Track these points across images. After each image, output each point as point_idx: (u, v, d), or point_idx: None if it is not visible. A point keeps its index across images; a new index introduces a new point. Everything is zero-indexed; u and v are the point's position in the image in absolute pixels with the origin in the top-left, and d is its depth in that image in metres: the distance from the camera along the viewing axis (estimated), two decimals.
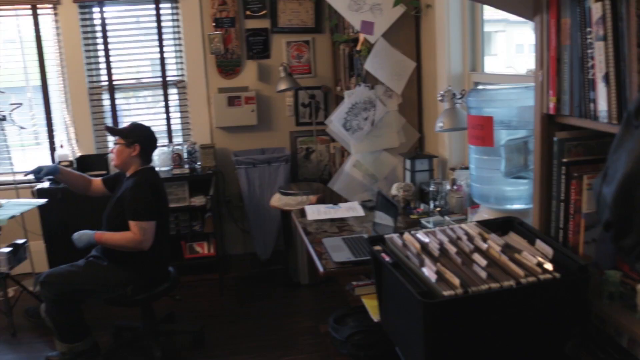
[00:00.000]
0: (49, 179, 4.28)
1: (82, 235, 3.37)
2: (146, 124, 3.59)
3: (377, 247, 1.82)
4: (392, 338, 1.91)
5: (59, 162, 4.56)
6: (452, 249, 1.71)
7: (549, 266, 1.59)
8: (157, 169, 4.52)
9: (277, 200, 4.26)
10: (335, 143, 4.63)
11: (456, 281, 1.51)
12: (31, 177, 3.62)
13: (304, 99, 5.03)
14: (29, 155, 5.11)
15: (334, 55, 4.97)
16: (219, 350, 3.61)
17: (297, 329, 3.85)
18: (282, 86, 4.60)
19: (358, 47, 3.88)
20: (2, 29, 4.95)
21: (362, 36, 3.78)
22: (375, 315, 2.79)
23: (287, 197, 4.21)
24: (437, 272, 1.58)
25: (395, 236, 1.84)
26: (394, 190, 3.35)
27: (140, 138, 3.43)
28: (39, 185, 4.50)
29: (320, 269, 2.55)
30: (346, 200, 3.76)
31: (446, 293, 1.48)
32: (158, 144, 3.64)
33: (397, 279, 1.60)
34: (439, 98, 3.05)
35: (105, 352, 3.53)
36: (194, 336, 3.72)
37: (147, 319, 3.60)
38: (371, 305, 2.89)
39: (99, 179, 3.71)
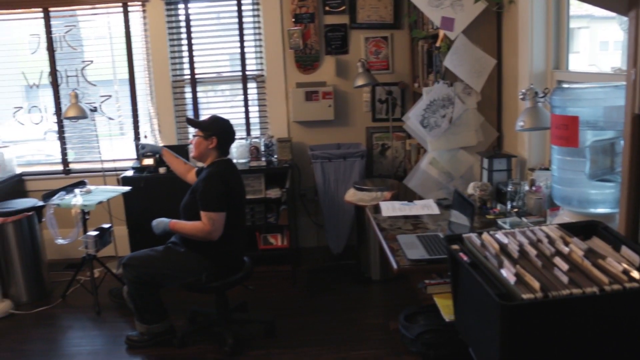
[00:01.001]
0: (150, 156, 4.66)
1: (159, 223, 3.52)
2: (225, 117, 3.68)
3: (455, 246, 1.80)
4: (465, 339, 1.90)
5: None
6: (532, 252, 1.68)
7: (636, 274, 1.53)
8: (234, 161, 4.65)
9: (352, 195, 4.28)
10: (412, 140, 4.60)
11: (536, 284, 1.49)
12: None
13: (381, 95, 5.03)
14: (116, 144, 5.33)
15: (412, 51, 4.94)
16: (289, 341, 3.67)
17: (367, 324, 3.86)
18: (360, 82, 4.61)
19: (437, 44, 3.85)
20: (94, 26, 5.19)
21: (441, 32, 3.74)
22: (446, 315, 2.78)
23: (362, 192, 4.22)
24: (516, 275, 1.55)
25: (473, 236, 1.82)
26: (471, 189, 3.30)
27: (218, 131, 3.51)
28: (124, 174, 4.71)
29: (394, 265, 2.54)
30: (421, 198, 3.73)
31: (525, 296, 1.46)
32: (236, 137, 3.71)
33: (475, 279, 1.58)
34: (520, 96, 2.98)
35: (180, 335, 3.67)
36: (266, 326, 3.79)
37: (221, 307, 3.69)
38: (443, 305, 2.87)
39: (195, 168, 3.87)
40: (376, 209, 3.41)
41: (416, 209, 3.35)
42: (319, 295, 4.34)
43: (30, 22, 5.20)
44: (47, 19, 5.12)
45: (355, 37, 5.01)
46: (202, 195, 3.40)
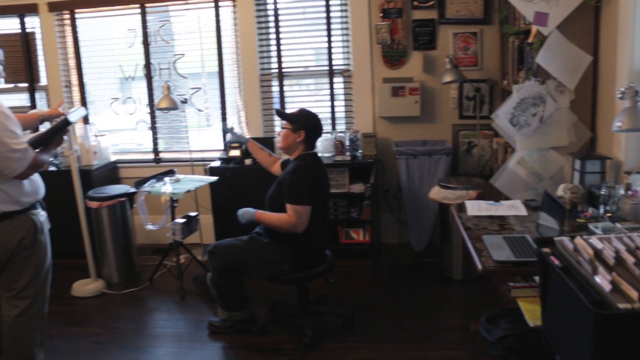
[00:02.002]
0: (236, 147, 4.84)
1: (245, 213, 3.60)
2: (312, 110, 3.71)
3: (546, 249, 1.75)
4: (552, 345, 1.85)
5: (230, 143, 4.87)
6: (630, 259, 1.61)
7: None
8: (319, 154, 4.70)
9: (436, 193, 4.23)
10: (499, 138, 4.50)
11: (634, 294, 1.42)
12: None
13: (468, 92, 4.93)
14: (203, 135, 5.48)
15: (502, 47, 4.81)
16: (367, 336, 3.67)
17: (446, 324, 3.81)
18: (447, 78, 4.55)
19: (530, 40, 3.73)
20: (185, 21, 5.36)
21: (534, 28, 3.62)
22: (531, 320, 2.70)
23: (447, 190, 4.17)
24: (612, 282, 1.49)
25: (566, 239, 1.77)
26: (560, 191, 3.20)
27: (306, 125, 3.55)
28: (211, 164, 4.85)
29: (479, 266, 2.50)
30: (507, 198, 3.65)
31: (622, 306, 1.40)
32: (322, 132, 3.74)
33: (566, 285, 1.54)
34: (619, 95, 2.85)
35: (260, 324, 3.75)
36: (345, 319, 3.80)
37: (301, 298, 3.75)
38: (527, 309, 2.79)
39: (280, 159, 3.94)
40: (461, 207, 3.36)
41: (503, 209, 3.28)
42: (399, 292, 4.31)
43: (127, 18, 5.43)
44: (143, 14, 5.33)
45: (443, 32, 4.93)
46: (289, 188, 3.44)
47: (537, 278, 2.69)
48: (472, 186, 4.19)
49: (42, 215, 3.12)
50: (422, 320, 3.84)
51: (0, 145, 2.76)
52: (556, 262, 1.66)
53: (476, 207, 3.29)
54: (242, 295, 3.76)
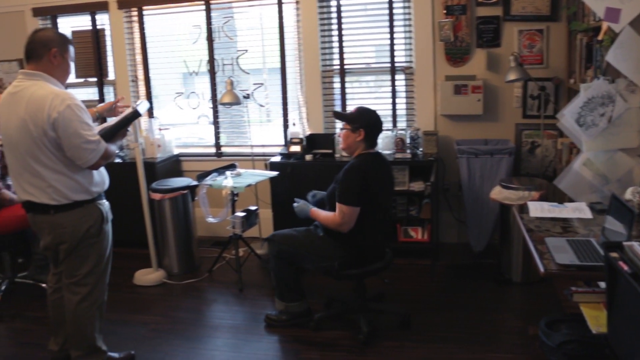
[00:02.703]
0: (297, 142, 4.91)
1: (302, 209, 3.69)
2: (372, 107, 3.69)
3: (614, 254, 1.70)
4: (617, 354, 1.79)
5: (291, 139, 4.91)
6: None
7: None
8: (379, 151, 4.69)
9: (497, 193, 4.16)
10: (564, 139, 4.38)
11: None
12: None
13: (533, 91, 4.82)
14: (264, 130, 5.54)
15: (570, 45, 4.67)
16: (423, 335, 3.64)
17: (504, 326, 3.74)
18: (512, 76, 4.46)
19: (600, 37, 3.61)
20: (247, 18, 5.43)
21: (605, 24, 3.50)
22: (594, 326, 2.63)
23: (508, 190, 4.09)
24: None
25: (636, 245, 1.71)
26: (629, 194, 3.09)
27: (365, 123, 3.52)
28: (272, 159, 4.90)
29: (541, 268, 2.45)
30: (571, 200, 3.55)
31: None
32: (382, 128, 3.71)
33: (636, 291, 1.49)
34: None
35: (316, 318, 3.77)
36: (401, 318, 3.78)
37: (358, 295, 3.75)
38: (590, 315, 2.72)
39: None
40: (523, 208, 3.29)
41: (567, 211, 3.19)
42: (457, 293, 4.26)
43: (192, 15, 5.53)
44: (207, 11, 5.43)
45: (508, 29, 4.83)
46: (340, 186, 3.45)
47: (602, 283, 2.61)
48: (535, 187, 4.10)
49: (107, 205, 3.25)
50: (480, 321, 3.79)
51: (76, 136, 2.89)
52: (625, 267, 1.61)
53: (539, 209, 3.22)
54: (299, 287, 3.81)
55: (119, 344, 3.67)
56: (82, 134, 2.90)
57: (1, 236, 4.22)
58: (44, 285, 4.35)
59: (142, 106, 3.54)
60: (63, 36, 3.11)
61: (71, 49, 3.12)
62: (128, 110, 3.40)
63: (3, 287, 4.44)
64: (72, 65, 3.16)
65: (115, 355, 3.47)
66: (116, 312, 4.13)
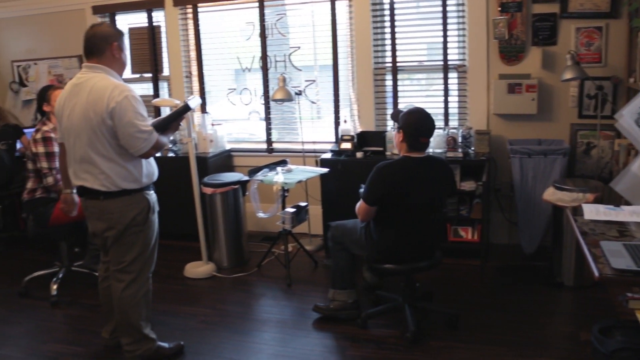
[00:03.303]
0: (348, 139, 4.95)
1: None
2: (423, 106, 3.67)
3: None
4: None
5: (342, 136, 4.92)
6: None
7: None
8: (430, 150, 4.66)
9: (551, 194, 4.08)
10: (622, 140, 4.25)
11: None
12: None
13: (589, 90, 4.70)
14: (315, 127, 5.57)
15: (630, 43, 4.53)
16: (472, 336, 3.60)
17: (554, 331, 3.67)
18: (568, 75, 4.36)
19: None
20: (299, 15, 5.47)
21: None
22: None
23: (562, 192, 4.01)
24: None
25: None
26: None
27: (403, 124, 3.46)
28: (323, 156, 4.92)
29: (596, 273, 2.39)
30: (628, 203, 3.45)
31: None
32: (426, 130, 3.61)
33: None
34: None
35: (364, 315, 3.79)
36: (449, 318, 3.75)
37: (406, 293, 3.74)
38: None
39: None
40: (577, 210, 3.22)
41: (623, 214, 3.10)
42: (506, 294, 4.19)
43: (246, 12, 5.60)
44: (261, 8, 5.49)
45: (565, 27, 4.72)
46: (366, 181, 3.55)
47: None
48: (590, 189, 4.01)
49: (154, 196, 3.37)
50: (529, 325, 3.72)
51: (130, 126, 3.03)
52: None
53: (594, 211, 3.14)
54: (350, 276, 3.87)
55: (169, 334, 3.75)
56: (136, 124, 3.05)
57: (59, 227, 4.36)
58: (97, 274, 4.50)
59: (194, 101, 3.67)
60: (119, 30, 3.32)
61: (126, 42, 3.31)
62: (179, 105, 3.53)
63: (60, 275, 4.59)
64: (128, 57, 3.33)
65: (165, 345, 3.56)
66: (166, 303, 4.23)
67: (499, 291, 4.26)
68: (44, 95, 4.40)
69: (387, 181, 3.42)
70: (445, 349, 3.48)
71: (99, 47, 3.15)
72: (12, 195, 5.62)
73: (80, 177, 3.21)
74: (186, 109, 3.43)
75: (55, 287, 4.47)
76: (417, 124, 3.45)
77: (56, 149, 4.25)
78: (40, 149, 4.23)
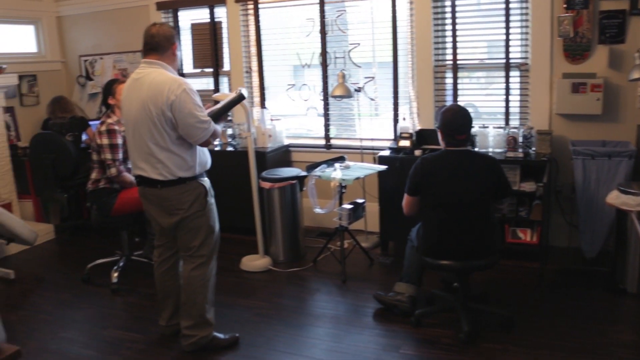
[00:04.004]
0: (407, 137, 4.95)
1: None
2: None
3: None
4: None
5: (400, 133, 4.90)
6: None
7: None
8: (490, 150, 4.60)
9: (614, 197, 3.96)
10: None
11: None
12: None
13: None
14: (373, 124, 5.55)
15: None
16: (527, 340, 3.53)
17: (616, 339, 3.53)
18: (636, 75, 4.21)
19: None
20: (359, 12, 5.46)
21: None
22: None
23: (626, 195, 3.88)
24: None
25: None
26: None
27: (440, 123, 3.62)
28: (381, 153, 4.91)
29: None
30: None
31: None
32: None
33: None
34: None
35: (417, 314, 3.78)
36: (504, 320, 3.70)
37: (461, 292, 3.70)
38: None
39: None
40: None
41: None
42: (565, 299, 4.09)
43: (306, 8, 5.63)
44: (321, 4, 5.51)
45: (634, 24, 4.55)
46: None
47: None
48: None
49: (208, 181, 3.51)
50: (589, 331, 3.62)
51: (190, 116, 3.20)
52: None
53: None
54: (416, 273, 3.91)
55: (225, 325, 3.82)
56: (195, 114, 3.22)
57: (121, 216, 4.49)
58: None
59: (245, 91, 3.85)
60: (176, 31, 3.55)
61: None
62: (233, 94, 3.73)
63: (121, 264, 4.74)
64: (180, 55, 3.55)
65: (221, 336, 3.65)
66: (223, 295, 4.30)
67: (557, 295, 4.17)
68: (109, 89, 4.53)
69: (424, 171, 3.58)
70: (499, 352, 3.43)
71: (163, 45, 3.35)
72: (77, 185, 5.80)
73: (139, 166, 3.38)
74: (240, 98, 3.59)
75: (115, 275, 4.62)
76: (450, 122, 3.57)
77: (120, 141, 4.39)
78: (105, 141, 4.36)
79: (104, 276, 4.75)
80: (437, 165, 3.58)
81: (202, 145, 3.37)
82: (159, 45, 3.34)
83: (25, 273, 5.07)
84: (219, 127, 3.48)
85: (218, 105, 3.62)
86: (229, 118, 4.74)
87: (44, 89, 6.83)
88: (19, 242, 5.16)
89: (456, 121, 3.56)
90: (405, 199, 3.73)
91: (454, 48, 5.08)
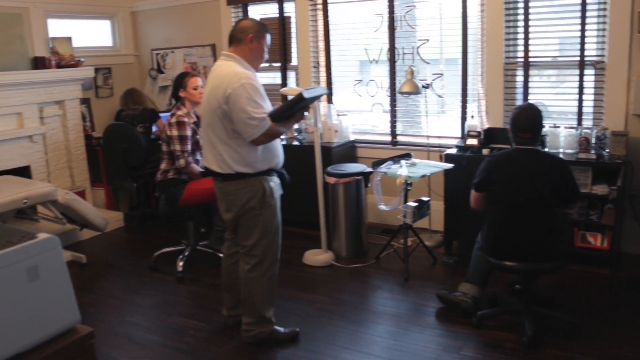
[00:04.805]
0: (474, 135, 4.87)
1: None
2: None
3: None
4: None
5: (468, 131, 4.82)
6: None
7: None
8: (561, 150, 4.47)
9: None
10: None
11: None
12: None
13: None
14: (440, 121, 5.48)
15: None
16: (593, 348, 3.40)
17: None
18: None
19: None
20: (427, 7, 5.39)
21: None
22: None
23: None
24: None
25: None
26: None
27: (510, 122, 3.62)
28: (447, 151, 4.84)
29: None
30: None
31: None
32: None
33: None
34: None
35: (479, 314, 3.73)
36: (569, 326, 3.57)
37: (525, 295, 3.61)
38: None
39: None
40: None
41: None
42: (636, 308, 3.92)
43: (375, 3, 5.60)
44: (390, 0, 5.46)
45: None
46: None
47: None
48: None
49: (273, 181, 3.46)
50: None
51: (242, 112, 3.18)
52: None
53: None
54: (481, 275, 3.85)
55: (285, 318, 3.86)
56: (247, 110, 3.18)
57: (188, 207, 4.58)
58: (221, 255, 4.71)
59: (312, 91, 3.57)
60: (261, 24, 3.45)
61: (267, 37, 3.46)
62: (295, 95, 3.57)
63: (186, 253, 4.85)
64: (266, 51, 3.48)
65: (281, 329, 3.67)
66: (285, 288, 4.34)
67: (627, 304, 4.00)
68: (180, 82, 4.63)
69: (489, 168, 3.61)
70: (564, 359, 3.32)
71: (238, 37, 3.37)
72: (146, 175, 5.98)
73: (206, 158, 3.46)
74: (299, 99, 3.41)
75: (181, 264, 4.73)
76: (515, 120, 3.60)
77: (189, 132, 4.48)
78: (174, 132, 4.46)
79: (169, 264, 4.87)
80: (502, 163, 3.59)
81: (254, 143, 3.27)
82: (234, 37, 3.38)
83: (95, 258, 5.27)
84: (282, 127, 3.38)
85: (279, 106, 3.53)
86: (309, 119, 4.71)
87: (118, 81, 7.05)
88: (91, 228, 5.38)
89: (520, 119, 3.56)
90: (472, 194, 3.76)
91: (526, 45, 4.94)
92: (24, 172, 5.69)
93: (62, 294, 1.68)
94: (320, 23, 5.91)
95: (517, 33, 5.00)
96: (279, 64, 6.23)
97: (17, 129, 5.66)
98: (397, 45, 5.53)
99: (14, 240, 1.59)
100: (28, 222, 5.55)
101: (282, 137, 3.99)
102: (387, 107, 5.74)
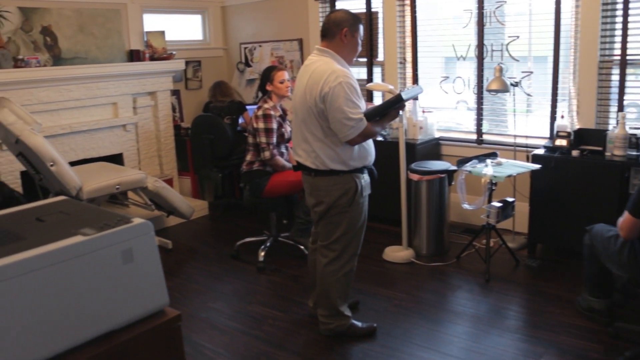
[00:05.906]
0: (564, 136, 4.61)
1: None
2: None
3: None
4: None
5: (557, 132, 4.66)
6: None
7: None
8: None
9: None
10: None
11: None
12: None
13: None
14: (527, 121, 5.32)
15: None
16: None
17: None
18: None
19: None
20: (516, 3, 5.23)
21: None
22: None
23: None
24: None
25: None
26: None
27: None
28: (535, 151, 4.70)
29: None
30: None
31: None
32: None
33: None
34: None
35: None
36: None
37: None
38: None
39: None
40: None
41: None
42: None
43: None
44: None
45: None
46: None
47: None
48: None
49: (365, 179, 3.44)
50: None
51: (339, 111, 3.14)
52: None
53: None
54: (602, 284, 3.67)
55: (363, 313, 3.88)
56: (344, 110, 3.13)
57: (272, 198, 4.66)
58: (302, 247, 4.77)
59: (409, 92, 3.54)
60: (355, 16, 3.38)
61: (361, 29, 3.39)
62: (394, 92, 3.53)
63: (268, 244, 4.94)
64: (360, 43, 3.42)
65: (359, 324, 3.68)
66: (364, 283, 4.35)
67: None
68: (268, 75, 4.70)
69: None
70: None
71: (332, 30, 3.30)
72: (232, 166, 6.12)
73: (297, 153, 3.45)
74: (397, 99, 3.36)
75: (262, 254, 4.82)
76: None
77: (274, 125, 4.55)
78: (261, 125, 4.54)
79: (251, 254, 4.98)
80: None
81: (349, 143, 3.25)
82: (327, 30, 3.31)
83: (181, 244, 5.45)
84: (378, 128, 3.38)
85: (376, 105, 3.51)
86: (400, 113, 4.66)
87: (207, 74, 7.25)
88: (177, 215, 5.57)
89: None
90: (628, 221, 3.17)
91: (624, 42, 4.71)
92: (116, 159, 5.97)
93: (154, 277, 1.74)
94: (408, 19, 5.86)
95: (614, 30, 4.78)
96: (365, 60, 6.22)
97: (113, 118, 5.94)
98: (485, 42, 5.41)
99: (110, 224, 1.66)
100: (119, 206, 5.81)
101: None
102: (473, 105, 5.62)
